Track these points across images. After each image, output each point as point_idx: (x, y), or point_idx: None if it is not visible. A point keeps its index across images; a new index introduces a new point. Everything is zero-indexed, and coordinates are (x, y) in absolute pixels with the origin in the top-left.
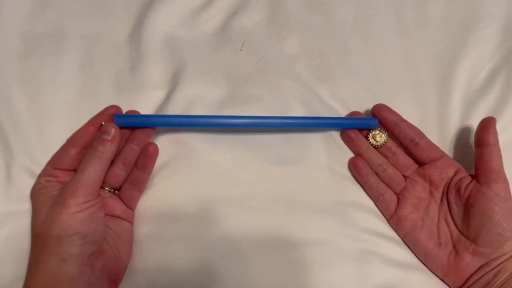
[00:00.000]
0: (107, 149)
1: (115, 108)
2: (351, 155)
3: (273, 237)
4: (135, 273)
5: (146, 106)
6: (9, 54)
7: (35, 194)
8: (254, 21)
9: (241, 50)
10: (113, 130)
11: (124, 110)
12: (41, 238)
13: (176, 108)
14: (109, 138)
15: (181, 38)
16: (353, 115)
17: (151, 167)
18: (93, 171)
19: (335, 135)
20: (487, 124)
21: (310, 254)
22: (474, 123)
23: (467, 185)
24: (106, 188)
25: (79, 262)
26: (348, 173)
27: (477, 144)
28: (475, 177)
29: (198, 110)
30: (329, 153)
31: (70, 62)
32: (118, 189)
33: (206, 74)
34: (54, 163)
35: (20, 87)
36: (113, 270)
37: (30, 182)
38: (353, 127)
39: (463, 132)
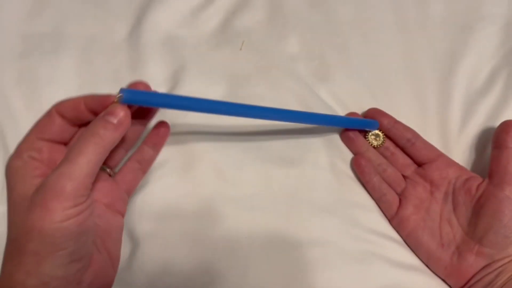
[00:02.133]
0: (109, 135)
1: (143, 84)
2: (352, 154)
3: (275, 237)
4: (134, 274)
5: None
6: (8, 53)
7: (14, 178)
8: (254, 20)
9: (240, 49)
10: (121, 114)
11: None
12: (17, 251)
13: None
14: (115, 121)
15: (181, 37)
16: (350, 115)
17: (161, 145)
18: (86, 162)
19: (336, 135)
20: (507, 127)
21: (311, 255)
22: (475, 123)
23: (479, 185)
24: (101, 167)
25: (64, 284)
26: (350, 173)
27: (494, 145)
28: (488, 177)
29: None
30: (330, 152)
31: (68, 61)
32: (112, 168)
33: (206, 74)
34: (39, 131)
35: (18, 86)
36: (103, 279)
37: None
38: (354, 127)
39: (464, 132)
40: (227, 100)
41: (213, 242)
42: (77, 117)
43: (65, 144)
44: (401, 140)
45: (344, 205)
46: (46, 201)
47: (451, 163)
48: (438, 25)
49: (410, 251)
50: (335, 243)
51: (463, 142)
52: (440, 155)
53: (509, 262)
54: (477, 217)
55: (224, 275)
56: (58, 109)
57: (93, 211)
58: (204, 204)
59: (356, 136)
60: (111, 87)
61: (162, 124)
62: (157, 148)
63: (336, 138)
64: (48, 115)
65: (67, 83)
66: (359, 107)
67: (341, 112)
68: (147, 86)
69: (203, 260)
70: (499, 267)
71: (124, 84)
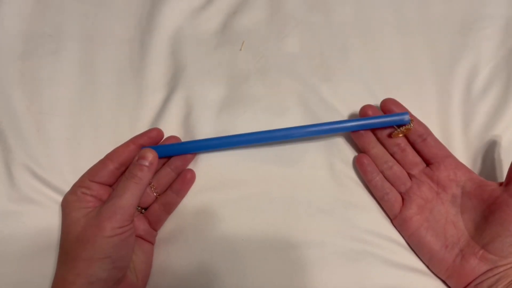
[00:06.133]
0: (144, 175)
1: (157, 130)
2: (351, 154)
3: (272, 238)
4: None
5: (147, 106)
6: (9, 54)
7: (69, 207)
8: (254, 21)
9: (240, 49)
10: (151, 156)
11: (126, 113)
12: (71, 258)
13: (176, 108)
14: (147, 164)
15: (181, 38)
16: (366, 108)
17: (186, 192)
18: (130, 197)
19: (335, 135)
20: None
21: (309, 255)
22: (475, 123)
23: (491, 191)
24: None
25: (105, 287)
26: (349, 173)
27: None
28: (505, 186)
29: (198, 110)
30: (329, 153)
31: (69, 62)
32: (145, 208)
33: (206, 74)
34: (91, 175)
35: (20, 86)
36: None
37: (31, 182)
38: (383, 126)
39: (464, 132)
40: (227, 100)
41: (211, 243)
42: (128, 157)
43: (110, 185)
44: (412, 134)
45: (341, 206)
46: (101, 222)
47: (459, 165)
48: (438, 25)
49: (408, 251)
50: (332, 244)
51: (463, 142)
52: (449, 156)
53: (510, 268)
54: (486, 223)
55: (222, 276)
56: (111, 156)
57: (134, 232)
58: (202, 206)
59: (366, 132)
60: (112, 87)
61: (187, 172)
62: (181, 194)
63: (335, 138)
64: (101, 161)
65: (68, 83)
66: (359, 107)
67: (342, 111)
68: (160, 132)
69: (201, 261)
70: (501, 272)
71: (124, 84)
